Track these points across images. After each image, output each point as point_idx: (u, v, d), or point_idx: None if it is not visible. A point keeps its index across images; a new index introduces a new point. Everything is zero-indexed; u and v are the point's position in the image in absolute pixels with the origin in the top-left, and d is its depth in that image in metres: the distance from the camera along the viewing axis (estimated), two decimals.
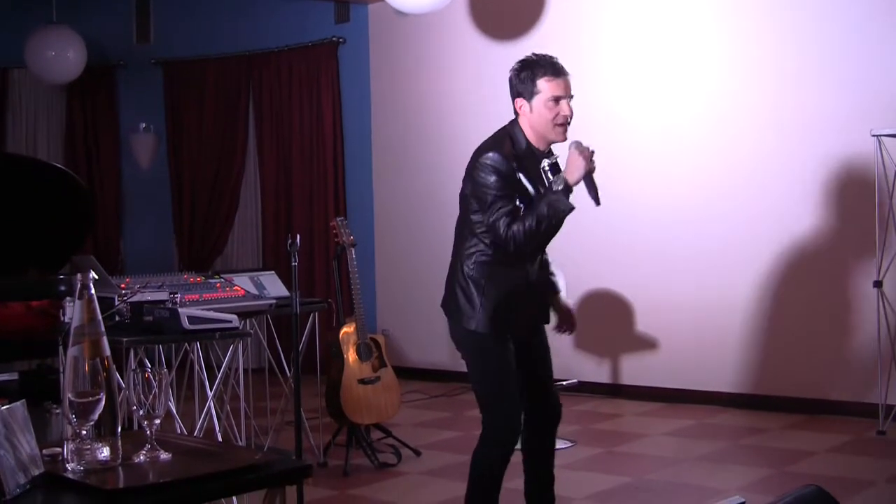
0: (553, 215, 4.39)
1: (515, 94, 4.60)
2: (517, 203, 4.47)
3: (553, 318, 5.08)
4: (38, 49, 10.94)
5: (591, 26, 9.22)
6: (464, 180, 4.66)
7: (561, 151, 4.66)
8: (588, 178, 4.47)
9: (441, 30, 10.18)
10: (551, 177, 4.51)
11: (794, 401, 8.13)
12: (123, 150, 12.25)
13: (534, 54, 4.63)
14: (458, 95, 10.09)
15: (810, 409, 8.01)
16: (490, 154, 4.48)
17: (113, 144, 12.23)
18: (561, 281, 5.16)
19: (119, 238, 12.21)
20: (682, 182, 8.65)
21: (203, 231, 11.89)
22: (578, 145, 4.47)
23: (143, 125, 12.00)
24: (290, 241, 5.42)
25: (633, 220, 8.79)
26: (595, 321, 9.04)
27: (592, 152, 4.48)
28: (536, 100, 4.53)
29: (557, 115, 4.51)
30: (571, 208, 4.42)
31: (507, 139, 4.57)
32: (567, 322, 5.18)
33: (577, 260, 8.44)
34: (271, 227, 11.50)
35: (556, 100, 4.50)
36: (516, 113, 4.62)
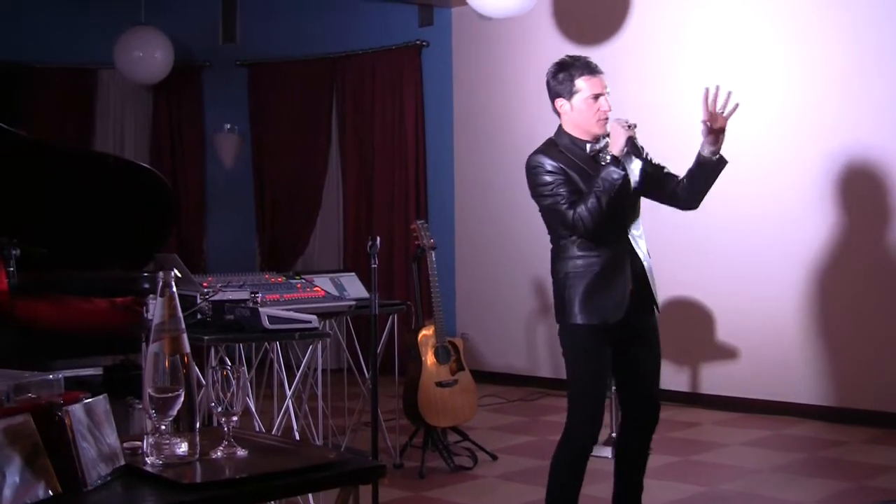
0: (608, 186, 4.54)
1: (554, 94, 4.83)
2: (571, 188, 4.63)
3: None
4: (126, 49, 11.12)
5: (674, 32, 9.16)
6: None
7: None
8: (632, 146, 4.67)
9: (524, 34, 10.17)
10: (605, 157, 4.66)
11: (876, 414, 8.01)
12: (208, 150, 12.39)
13: (568, 56, 4.85)
14: (540, 100, 9.97)
15: (892, 423, 7.89)
16: (533, 157, 4.75)
17: (198, 144, 12.38)
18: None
19: (202, 237, 12.35)
20: (762, 191, 8.57)
21: (285, 231, 11.99)
22: (617, 120, 4.66)
23: (228, 125, 12.12)
24: (370, 242, 5.45)
25: (713, 228, 8.71)
26: (674, 329, 8.97)
27: (632, 125, 4.66)
28: (577, 98, 4.75)
29: (598, 110, 4.71)
30: (623, 175, 4.57)
31: (550, 143, 4.83)
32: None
33: (656, 267, 8.36)
34: (352, 229, 11.56)
35: (596, 97, 4.71)
36: (557, 113, 4.86)
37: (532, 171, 4.72)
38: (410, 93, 11.19)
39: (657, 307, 4.89)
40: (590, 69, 4.73)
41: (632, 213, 4.81)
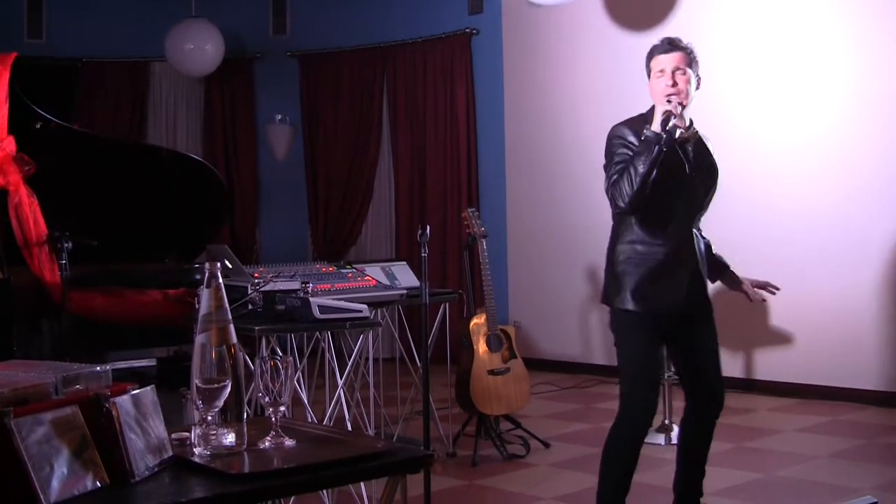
0: (644, 148, 4.51)
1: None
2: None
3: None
4: (178, 42, 11.21)
5: (725, 14, 9.09)
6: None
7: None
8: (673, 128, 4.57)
9: (574, 20, 10.13)
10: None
11: None
12: (260, 141, 12.46)
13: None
14: (591, 86, 10.04)
15: None
16: (615, 127, 4.73)
17: (250, 135, 12.45)
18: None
19: (255, 227, 12.43)
20: (815, 179, 8.49)
21: (337, 221, 12.03)
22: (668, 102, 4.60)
23: (280, 116, 12.20)
24: (420, 232, 5.45)
25: (768, 213, 8.66)
26: (729, 315, 8.90)
27: (674, 102, 4.59)
28: (651, 76, 4.76)
29: (665, 86, 4.66)
30: (657, 138, 4.49)
31: (638, 117, 4.75)
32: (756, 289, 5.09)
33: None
34: (405, 218, 11.57)
35: (662, 72, 4.68)
36: None
37: (610, 141, 4.71)
38: (461, 81, 11.18)
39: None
40: (663, 47, 4.75)
41: (697, 207, 4.77)
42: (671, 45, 4.75)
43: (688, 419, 4.97)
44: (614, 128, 4.73)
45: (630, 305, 4.65)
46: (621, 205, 4.56)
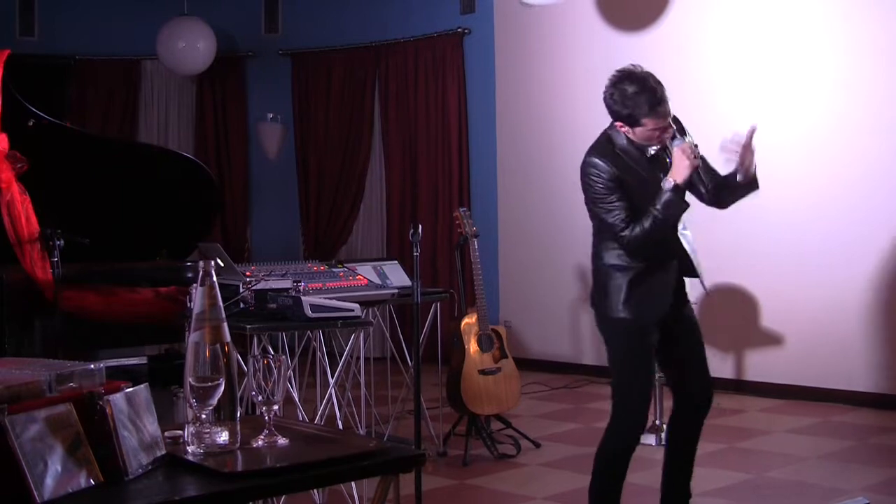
0: (668, 216, 4.50)
1: (615, 117, 4.57)
2: (627, 203, 4.52)
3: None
4: (170, 40, 11.21)
5: (719, 17, 9.09)
6: None
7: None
8: (696, 174, 4.56)
9: (566, 20, 10.13)
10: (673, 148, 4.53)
11: None
12: (252, 140, 12.44)
13: (629, 79, 4.52)
14: (583, 86, 10.02)
15: None
16: (589, 159, 4.59)
17: (242, 134, 12.42)
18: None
19: (247, 226, 12.41)
20: (808, 180, 8.49)
21: (329, 220, 12.02)
22: (682, 148, 4.46)
23: (271, 115, 12.17)
24: (412, 231, 5.45)
25: (758, 214, 8.66)
26: (719, 315, 8.93)
27: (695, 148, 4.48)
28: (639, 129, 4.53)
29: (659, 136, 4.53)
30: (686, 207, 4.51)
31: (606, 140, 4.65)
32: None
33: (702, 254, 8.33)
34: (396, 217, 11.56)
35: (660, 130, 4.51)
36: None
37: (588, 174, 4.58)
38: (453, 80, 11.18)
39: (704, 287, 4.85)
40: (653, 106, 4.44)
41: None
42: (661, 99, 4.49)
43: (675, 419, 4.94)
44: (588, 159, 4.60)
45: (620, 313, 4.63)
46: (630, 251, 4.56)
